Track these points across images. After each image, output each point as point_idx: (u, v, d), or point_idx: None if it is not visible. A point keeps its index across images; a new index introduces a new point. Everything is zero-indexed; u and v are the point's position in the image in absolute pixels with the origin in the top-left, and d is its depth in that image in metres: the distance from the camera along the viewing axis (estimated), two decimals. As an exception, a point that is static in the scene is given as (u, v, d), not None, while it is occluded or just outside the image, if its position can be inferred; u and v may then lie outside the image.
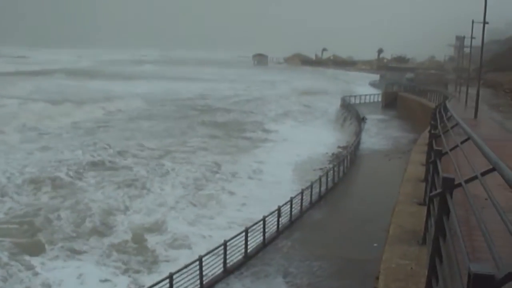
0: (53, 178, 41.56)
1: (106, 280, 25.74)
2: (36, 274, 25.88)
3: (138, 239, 30.35)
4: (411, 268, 8.35)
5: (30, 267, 26.43)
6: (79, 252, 28.61)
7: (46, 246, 29.01)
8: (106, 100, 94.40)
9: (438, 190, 7.04)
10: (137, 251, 29.01)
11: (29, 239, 29.88)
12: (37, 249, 28.60)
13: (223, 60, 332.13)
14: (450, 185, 6.64)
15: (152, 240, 30.32)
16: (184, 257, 26.75)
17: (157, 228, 32.40)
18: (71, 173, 43.47)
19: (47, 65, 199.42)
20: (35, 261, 27.19)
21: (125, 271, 26.56)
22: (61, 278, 25.59)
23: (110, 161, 48.60)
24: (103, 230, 31.89)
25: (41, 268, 26.51)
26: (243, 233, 24.74)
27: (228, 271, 23.34)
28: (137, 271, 26.55)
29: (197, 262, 21.51)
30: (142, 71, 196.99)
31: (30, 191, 38.42)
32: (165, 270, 23.68)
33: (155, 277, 22.58)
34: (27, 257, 27.46)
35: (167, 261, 27.65)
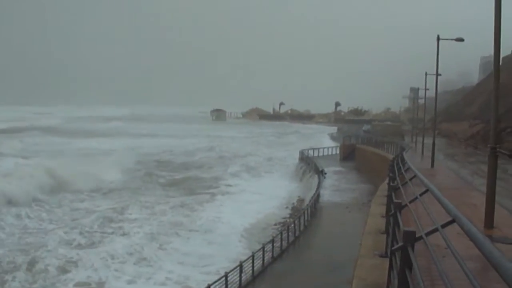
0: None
1: None
2: None
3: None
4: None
5: None
6: None
7: None
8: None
9: (400, 244, 7.11)
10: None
11: None
12: None
13: (184, 116, 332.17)
14: (411, 238, 6.71)
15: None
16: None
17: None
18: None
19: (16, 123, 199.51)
20: None
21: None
22: None
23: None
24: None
25: None
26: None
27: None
28: None
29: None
30: (108, 128, 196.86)
31: None
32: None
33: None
34: None
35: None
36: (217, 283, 25.68)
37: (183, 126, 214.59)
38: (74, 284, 32.71)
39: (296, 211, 49.56)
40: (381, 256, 12.12)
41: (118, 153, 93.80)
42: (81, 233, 43.84)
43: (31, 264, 35.32)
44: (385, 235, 13.45)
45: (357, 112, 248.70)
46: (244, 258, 30.59)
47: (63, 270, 35.11)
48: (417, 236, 6.80)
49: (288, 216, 49.96)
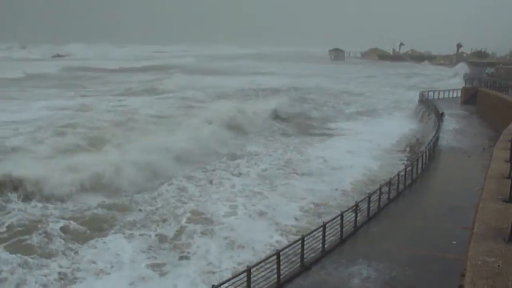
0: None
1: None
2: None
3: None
4: (498, 265, 8.20)
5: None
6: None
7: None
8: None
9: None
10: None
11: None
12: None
13: (303, 55, 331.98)
14: (541, 181, 6.51)
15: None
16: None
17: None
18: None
19: (153, 61, 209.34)
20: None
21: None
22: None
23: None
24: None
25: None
26: (320, 229, 24.69)
27: (305, 266, 23.29)
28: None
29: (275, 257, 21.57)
30: (239, 66, 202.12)
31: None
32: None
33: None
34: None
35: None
36: (333, 221, 25.82)
37: (302, 65, 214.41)
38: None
39: (414, 154, 48.89)
40: (505, 201, 11.82)
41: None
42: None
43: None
44: (509, 180, 13.07)
45: (480, 54, 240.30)
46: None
47: (181, 201, 37.04)
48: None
49: (405, 159, 49.42)
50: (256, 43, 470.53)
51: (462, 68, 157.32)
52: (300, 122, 73.72)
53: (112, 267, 27.29)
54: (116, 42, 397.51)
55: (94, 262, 27.57)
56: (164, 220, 33.72)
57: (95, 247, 29.43)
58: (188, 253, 29.19)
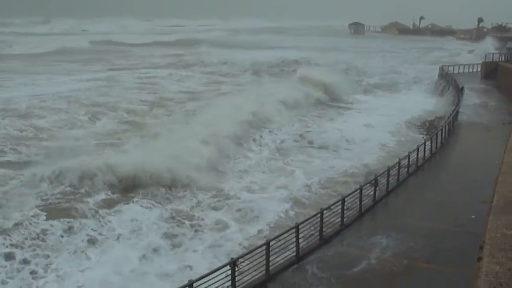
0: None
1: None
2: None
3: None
4: (517, 237, 8.28)
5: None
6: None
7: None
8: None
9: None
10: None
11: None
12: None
13: (323, 29, 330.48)
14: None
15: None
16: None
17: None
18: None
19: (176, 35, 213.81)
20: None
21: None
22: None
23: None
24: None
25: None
26: (339, 203, 24.83)
27: (325, 239, 23.47)
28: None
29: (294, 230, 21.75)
30: (264, 40, 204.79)
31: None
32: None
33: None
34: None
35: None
36: (352, 195, 25.94)
37: (322, 39, 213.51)
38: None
39: (434, 128, 48.75)
40: (524, 174, 11.87)
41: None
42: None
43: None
44: (529, 154, 13.12)
45: (501, 28, 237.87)
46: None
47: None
48: None
49: (425, 133, 49.31)
50: (280, 17, 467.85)
51: (490, 43, 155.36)
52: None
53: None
54: (139, 16, 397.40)
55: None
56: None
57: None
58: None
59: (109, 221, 28.87)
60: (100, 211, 30.02)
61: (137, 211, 30.48)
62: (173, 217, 29.84)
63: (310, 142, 47.44)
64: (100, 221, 28.73)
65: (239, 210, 30.97)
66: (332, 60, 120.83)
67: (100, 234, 27.31)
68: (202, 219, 29.65)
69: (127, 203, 31.45)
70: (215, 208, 31.40)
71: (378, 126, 53.21)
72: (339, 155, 43.89)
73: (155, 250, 25.74)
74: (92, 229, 27.64)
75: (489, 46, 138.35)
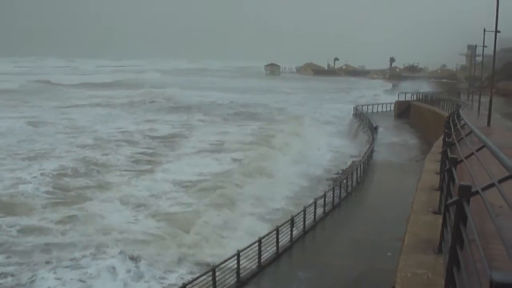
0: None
1: None
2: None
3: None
4: (428, 277, 8.25)
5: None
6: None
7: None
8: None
9: (455, 198, 6.97)
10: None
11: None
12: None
13: (241, 70, 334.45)
14: (467, 192, 6.57)
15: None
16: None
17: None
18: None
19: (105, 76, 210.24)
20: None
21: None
22: None
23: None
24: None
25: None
26: (256, 244, 24.65)
27: (242, 282, 23.21)
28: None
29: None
30: (194, 81, 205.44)
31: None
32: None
33: None
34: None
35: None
36: (269, 236, 25.84)
37: (242, 80, 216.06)
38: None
39: (349, 167, 49.31)
40: (435, 212, 11.96)
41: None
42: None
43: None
44: (439, 192, 13.26)
45: (412, 68, 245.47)
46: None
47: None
48: (473, 190, 6.65)
49: (340, 172, 49.80)
50: (200, 58, 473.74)
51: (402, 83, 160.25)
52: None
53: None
54: (62, 56, 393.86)
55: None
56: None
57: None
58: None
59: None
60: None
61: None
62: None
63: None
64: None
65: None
66: (251, 102, 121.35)
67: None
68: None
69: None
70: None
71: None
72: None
73: None
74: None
75: (401, 86, 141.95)
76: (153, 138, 68.04)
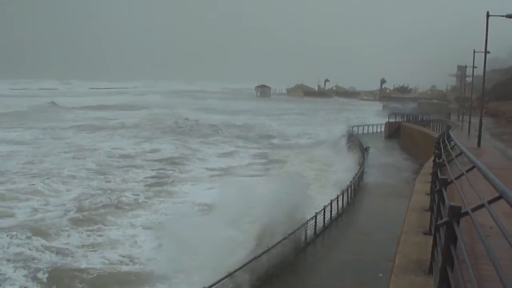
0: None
1: None
2: None
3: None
4: (418, 298, 8.26)
5: None
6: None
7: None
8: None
9: (445, 219, 6.98)
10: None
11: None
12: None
13: (233, 92, 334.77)
14: (457, 213, 6.59)
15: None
16: None
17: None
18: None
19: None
20: None
21: None
22: None
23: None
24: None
25: None
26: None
27: None
28: None
29: None
30: (192, 103, 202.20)
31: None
32: None
33: None
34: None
35: None
36: (258, 259, 25.69)
37: (235, 103, 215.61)
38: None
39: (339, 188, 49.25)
40: (425, 233, 11.97)
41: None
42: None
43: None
44: (429, 213, 13.28)
45: (402, 89, 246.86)
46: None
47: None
48: (462, 211, 6.66)
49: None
50: (193, 80, 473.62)
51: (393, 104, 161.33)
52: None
53: None
54: (57, 77, 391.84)
55: None
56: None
57: None
58: None
59: None
60: None
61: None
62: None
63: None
64: None
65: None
66: (242, 123, 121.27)
67: None
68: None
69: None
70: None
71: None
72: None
73: None
74: None
75: (391, 106, 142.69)
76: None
